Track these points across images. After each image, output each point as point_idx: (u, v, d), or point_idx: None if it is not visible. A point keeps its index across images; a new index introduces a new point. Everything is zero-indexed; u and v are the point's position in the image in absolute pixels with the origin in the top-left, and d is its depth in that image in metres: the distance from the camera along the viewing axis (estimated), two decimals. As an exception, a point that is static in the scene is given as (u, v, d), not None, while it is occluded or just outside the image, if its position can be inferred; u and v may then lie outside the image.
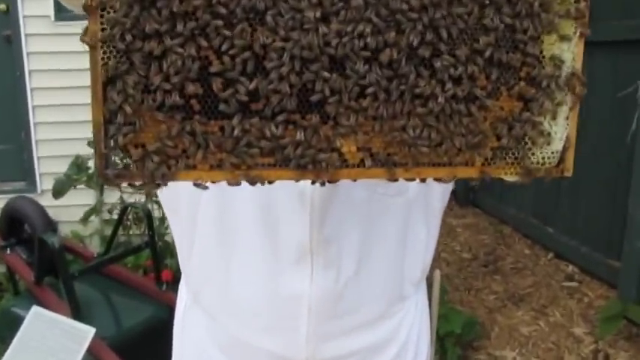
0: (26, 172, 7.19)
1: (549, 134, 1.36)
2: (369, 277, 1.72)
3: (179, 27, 1.17)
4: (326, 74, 1.21)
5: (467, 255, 6.94)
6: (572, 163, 1.41)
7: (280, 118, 1.23)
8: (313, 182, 1.30)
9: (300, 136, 1.24)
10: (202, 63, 1.20)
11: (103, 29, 1.17)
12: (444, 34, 1.25)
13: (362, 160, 1.29)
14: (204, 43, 1.19)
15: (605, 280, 5.99)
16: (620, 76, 5.53)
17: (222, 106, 1.21)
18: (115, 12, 1.16)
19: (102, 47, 1.17)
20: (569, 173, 1.41)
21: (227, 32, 1.19)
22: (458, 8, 1.25)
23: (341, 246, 1.67)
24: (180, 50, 1.18)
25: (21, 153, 7.17)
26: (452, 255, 7.03)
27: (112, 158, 1.25)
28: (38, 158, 7.08)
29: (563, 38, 1.34)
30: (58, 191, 5.96)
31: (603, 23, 5.66)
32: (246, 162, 1.25)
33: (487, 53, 1.28)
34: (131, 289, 4.97)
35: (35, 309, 3.99)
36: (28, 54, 6.91)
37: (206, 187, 1.29)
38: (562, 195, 6.66)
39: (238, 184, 1.28)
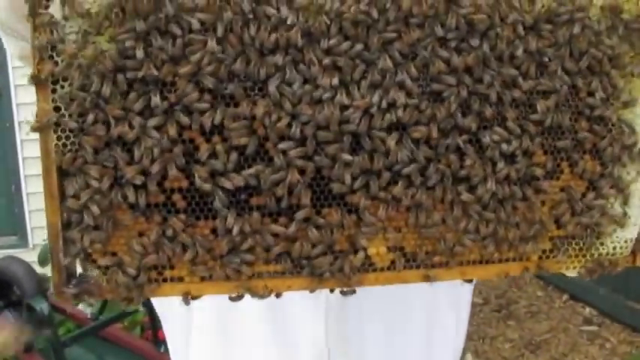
0: (17, 227, 6.96)
1: (622, 219, 1.10)
2: None
3: (154, 101, 0.91)
4: (347, 157, 0.95)
5: (477, 299, 6.63)
6: (646, 249, 1.15)
7: (289, 215, 0.96)
8: (332, 290, 1.04)
9: (314, 236, 0.97)
10: (186, 148, 0.94)
11: (56, 108, 0.91)
12: (493, 99, 0.99)
13: (392, 262, 1.02)
14: (186, 121, 0.92)
15: (627, 323, 5.71)
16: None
17: (215, 203, 0.95)
18: (70, 85, 0.90)
19: (55, 131, 0.92)
20: (641, 262, 1.14)
21: (217, 109, 0.93)
22: (509, 69, 0.99)
23: (362, 342, 1.41)
24: (155, 134, 0.91)
25: (12, 207, 6.94)
26: (462, 299, 6.74)
27: (74, 269, 0.99)
28: (29, 212, 6.84)
29: (636, 101, 1.08)
30: (44, 260, 5.68)
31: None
32: (245, 271, 0.98)
33: (547, 121, 1.02)
34: (128, 352, 4.64)
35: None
36: (17, 105, 6.69)
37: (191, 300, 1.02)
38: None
39: (240, 297, 1.01)
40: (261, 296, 0.99)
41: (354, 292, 1.05)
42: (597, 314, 6.13)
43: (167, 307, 1.46)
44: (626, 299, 5.70)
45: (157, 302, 1.50)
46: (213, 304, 1.32)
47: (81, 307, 5.24)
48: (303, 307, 1.34)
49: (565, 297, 6.58)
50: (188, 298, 1.00)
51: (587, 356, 5.45)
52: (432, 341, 1.57)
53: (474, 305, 6.97)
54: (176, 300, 1.28)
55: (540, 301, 6.60)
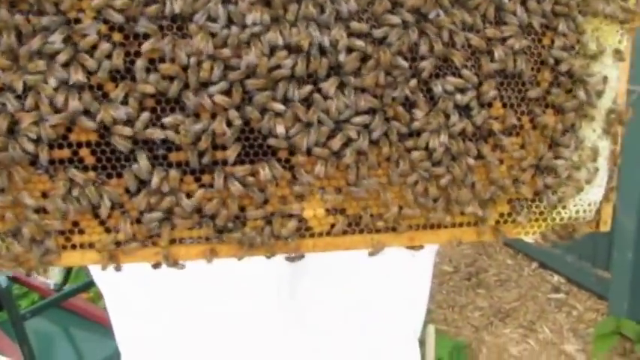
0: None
1: (587, 179, 1.00)
2: (347, 343, 1.37)
3: (52, 39, 0.78)
4: (278, 106, 0.83)
5: (448, 267, 6.59)
6: (610, 213, 1.05)
7: (213, 173, 0.85)
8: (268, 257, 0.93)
9: (233, 200, 0.86)
10: (94, 94, 0.81)
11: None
12: (446, 43, 0.88)
13: (333, 226, 0.91)
14: (92, 65, 0.80)
15: (594, 291, 5.70)
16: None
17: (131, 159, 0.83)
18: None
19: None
20: (606, 227, 1.05)
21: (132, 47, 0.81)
22: (464, 11, 0.88)
23: (317, 310, 1.33)
24: (58, 75, 0.79)
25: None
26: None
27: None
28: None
29: (605, 51, 0.97)
30: None
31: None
32: (164, 235, 0.86)
33: (506, 69, 0.91)
34: (93, 323, 4.53)
35: (-14, 354, 3.59)
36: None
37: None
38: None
39: (158, 265, 0.90)
40: (181, 265, 0.88)
41: (302, 257, 0.94)
42: (565, 282, 6.14)
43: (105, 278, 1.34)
44: (593, 267, 5.71)
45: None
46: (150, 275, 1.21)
47: (43, 278, 5.11)
48: (253, 275, 1.23)
49: (534, 265, 6.58)
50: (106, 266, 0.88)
51: (555, 324, 5.46)
52: (389, 312, 1.48)
53: (443, 273, 6.96)
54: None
55: (510, 269, 6.59)
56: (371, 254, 0.94)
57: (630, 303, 5.00)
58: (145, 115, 0.80)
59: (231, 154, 0.84)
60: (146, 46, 0.79)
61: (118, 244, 0.87)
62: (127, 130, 0.80)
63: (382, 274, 1.38)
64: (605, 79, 0.98)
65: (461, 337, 5.26)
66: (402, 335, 1.57)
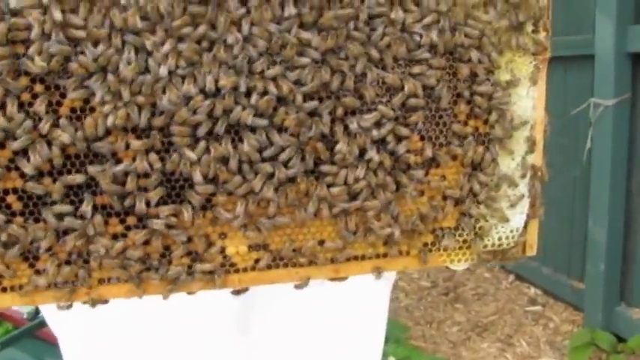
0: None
1: (507, 209, 1.04)
2: None
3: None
4: (191, 155, 0.86)
5: (426, 283, 6.62)
6: (536, 238, 1.09)
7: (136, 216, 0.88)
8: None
9: (169, 238, 0.89)
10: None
11: None
12: (359, 80, 0.92)
13: (257, 261, 0.95)
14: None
15: (569, 302, 5.75)
16: (571, 93, 5.33)
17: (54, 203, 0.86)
18: None
19: None
20: (532, 251, 1.09)
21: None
22: (374, 49, 0.92)
23: (268, 348, 1.34)
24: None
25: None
26: (410, 283, 6.70)
27: None
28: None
29: (519, 82, 1.02)
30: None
31: (551, 39, 5.46)
32: (87, 279, 0.89)
33: (421, 104, 0.95)
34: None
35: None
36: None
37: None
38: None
39: (70, 306, 0.92)
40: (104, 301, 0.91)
41: (246, 290, 0.97)
42: (542, 294, 6.18)
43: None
44: (569, 278, 5.75)
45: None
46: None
47: (17, 307, 5.06)
48: (203, 312, 1.25)
49: (511, 277, 6.62)
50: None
51: (532, 337, 5.49)
52: (345, 343, 1.49)
53: (422, 289, 6.95)
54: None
55: (487, 283, 6.63)
56: (297, 287, 0.97)
57: (604, 314, 5.04)
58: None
59: (154, 196, 0.86)
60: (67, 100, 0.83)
61: (48, 285, 0.89)
62: (47, 180, 0.83)
63: (335, 305, 1.40)
64: (520, 108, 1.02)
65: (439, 353, 5.28)
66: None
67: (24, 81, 0.82)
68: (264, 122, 0.86)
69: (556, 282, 5.94)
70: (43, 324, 4.28)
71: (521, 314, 5.91)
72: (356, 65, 0.90)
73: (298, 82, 0.88)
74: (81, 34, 0.80)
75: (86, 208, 0.85)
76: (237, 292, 0.97)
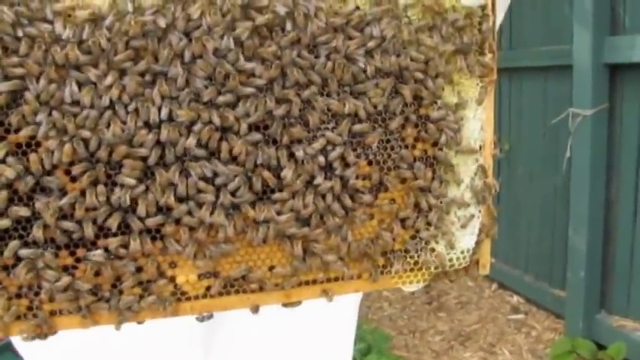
0: None
1: (455, 231, 1.05)
2: None
3: None
4: (129, 181, 0.87)
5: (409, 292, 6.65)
6: (489, 258, 1.10)
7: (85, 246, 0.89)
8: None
9: (115, 268, 0.89)
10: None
11: None
12: (301, 109, 0.93)
13: (208, 289, 0.95)
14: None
15: (551, 310, 5.77)
16: (551, 102, 5.37)
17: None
18: None
19: None
20: (485, 271, 1.10)
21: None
22: (317, 76, 0.93)
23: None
24: None
25: None
26: (394, 292, 6.70)
27: None
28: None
29: (466, 104, 1.03)
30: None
31: (530, 49, 5.50)
32: (42, 310, 0.90)
33: (365, 128, 0.96)
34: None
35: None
36: None
37: None
38: (500, 223, 6.28)
39: (42, 338, 0.93)
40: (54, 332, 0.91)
41: (211, 316, 0.98)
42: (524, 302, 6.20)
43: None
44: (550, 286, 5.78)
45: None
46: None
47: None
48: (166, 336, 1.25)
49: (494, 286, 6.64)
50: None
51: (514, 345, 5.51)
52: (310, 355, 1.50)
53: (405, 298, 6.95)
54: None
55: (471, 291, 6.65)
56: (253, 312, 0.98)
57: (585, 322, 5.07)
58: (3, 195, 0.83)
59: (112, 223, 0.87)
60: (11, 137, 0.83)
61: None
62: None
63: (300, 325, 1.41)
64: (467, 130, 1.04)
65: (421, 364, 5.29)
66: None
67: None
68: (202, 153, 0.87)
69: (538, 290, 5.97)
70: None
71: (503, 323, 5.93)
72: (301, 93, 0.92)
73: (244, 113, 0.89)
74: (20, 71, 0.81)
75: (36, 238, 0.86)
76: (201, 319, 0.98)
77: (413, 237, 1.04)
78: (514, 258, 6.31)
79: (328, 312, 1.44)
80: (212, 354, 1.33)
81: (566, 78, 4.97)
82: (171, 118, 0.86)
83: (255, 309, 0.97)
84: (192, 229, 0.90)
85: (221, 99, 0.88)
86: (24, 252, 0.86)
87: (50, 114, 0.84)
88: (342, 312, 1.50)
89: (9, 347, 4.24)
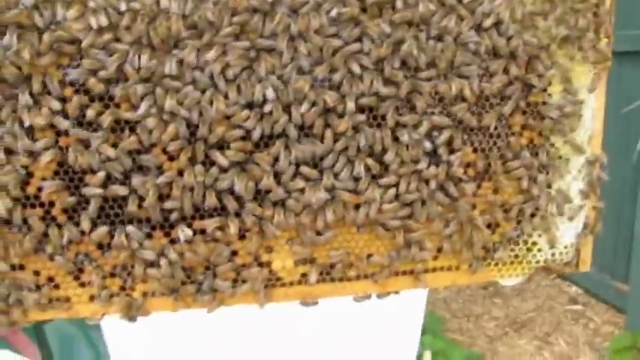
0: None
1: (559, 224, 1.00)
2: None
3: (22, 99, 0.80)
4: (223, 160, 0.84)
5: (464, 278, 6.58)
6: (590, 254, 1.05)
7: (180, 227, 0.86)
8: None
9: (204, 251, 0.87)
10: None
11: None
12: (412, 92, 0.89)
13: (303, 276, 0.92)
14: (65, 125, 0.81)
15: (611, 304, 5.63)
16: (624, 89, 5.19)
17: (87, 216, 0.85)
18: None
19: None
20: (585, 267, 1.04)
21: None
22: (426, 56, 0.88)
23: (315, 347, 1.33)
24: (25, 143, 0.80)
25: None
26: (448, 277, 6.67)
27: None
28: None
29: (577, 92, 0.97)
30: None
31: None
32: (137, 289, 0.88)
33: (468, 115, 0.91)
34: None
35: (4, 353, 3.62)
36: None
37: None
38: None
39: (132, 319, 0.91)
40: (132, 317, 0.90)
41: (316, 303, 0.95)
42: (583, 293, 6.06)
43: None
44: (612, 279, 5.63)
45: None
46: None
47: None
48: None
49: (552, 275, 6.51)
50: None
51: (571, 336, 5.40)
52: (386, 341, 1.48)
53: (460, 284, 6.91)
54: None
55: (528, 279, 6.54)
56: (356, 300, 0.95)
57: (648, 318, 4.94)
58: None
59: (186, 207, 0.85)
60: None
61: (91, 297, 0.88)
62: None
63: (378, 309, 1.38)
64: (579, 117, 0.98)
65: (475, 347, 5.23)
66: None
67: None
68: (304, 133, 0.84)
69: (599, 282, 5.82)
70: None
71: (560, 313, 5.81)
72: (408, 75, 0.87)
73: (350, 93, 0.85)
74: (122, 47, 0.79)
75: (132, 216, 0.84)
76: (306, 305, 0.95)
77: (514, 229, 0.99)
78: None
79: (399, 302, 1.42)
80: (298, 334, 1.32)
81: (642, 65, 4.80)
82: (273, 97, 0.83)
83: (366, 297, 0.94)
84: (294, 213, 0.87)
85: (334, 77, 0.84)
86: (130, 229, 0.84)
87: (152, 91, 0.81)
88: (412, 302, 1.48)
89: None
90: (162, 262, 0.85)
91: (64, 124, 0.80)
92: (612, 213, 5.58)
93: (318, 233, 0.89)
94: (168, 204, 0.83)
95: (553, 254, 1.01)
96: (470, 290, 6.38)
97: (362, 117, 0.86)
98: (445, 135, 0.90)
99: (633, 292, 5.08)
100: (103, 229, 0.84)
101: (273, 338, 1.28)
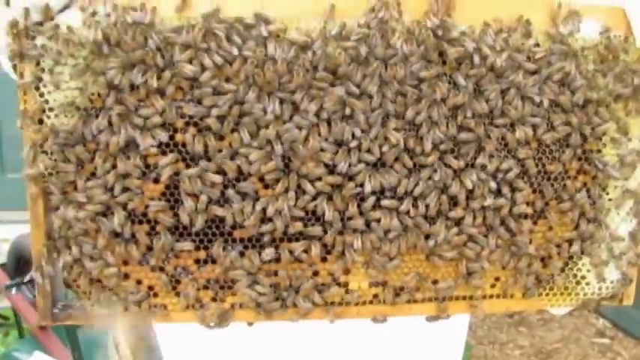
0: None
1: (606, 262, 1.09)
2: None
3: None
4: (310, 188, 0.95)
5: (491, 304, 6.61)
6: (634, 289, 1.14)
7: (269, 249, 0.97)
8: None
9: (292, 271, 0.98)
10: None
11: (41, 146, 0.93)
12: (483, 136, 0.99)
13: (375, 296, 1.03)
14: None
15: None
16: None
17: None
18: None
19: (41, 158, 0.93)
20: (629, 302, 1.13)
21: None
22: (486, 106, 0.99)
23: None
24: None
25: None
26: (475, 304, 6.70)
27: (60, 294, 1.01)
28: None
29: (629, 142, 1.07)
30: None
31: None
32: (224, 300, 0.99)
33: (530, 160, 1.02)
34: (139, 335, 4.57)
35: (37, 355, 3.74)
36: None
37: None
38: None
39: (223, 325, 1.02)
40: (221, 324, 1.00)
41: (385, 320, 1.06)
42: (611, 327, 6.05)
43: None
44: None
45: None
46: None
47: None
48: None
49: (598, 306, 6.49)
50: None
51: (598, 368, 5.40)
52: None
53: (486, 311, 6.86)
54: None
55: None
56: (430, 321, 1.05)
57: (676, 352, 4.91)
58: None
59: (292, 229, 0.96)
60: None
61: (187, 306, 0.99)
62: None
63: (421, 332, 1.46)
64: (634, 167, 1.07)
65: (500, 377, 5.25)
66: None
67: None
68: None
69: (627, 315, 5.80)
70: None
71: (587, 345, 5.80)
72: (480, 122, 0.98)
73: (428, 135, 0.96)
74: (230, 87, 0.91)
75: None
76: (375, 321, 1.05)
77: (566, 264, 1.08)
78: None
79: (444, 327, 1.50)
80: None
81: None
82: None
83: (436, 317, 1.04)
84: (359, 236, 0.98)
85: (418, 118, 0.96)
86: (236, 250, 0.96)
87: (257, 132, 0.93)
88: (454, 328, 1.55)
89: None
90: (259, 282, 0.97)
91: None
92: (643, 247, 5.56)
93: (390, 259, 0.99)
94: (264, 227, 0.94)
95: (600, 288, 1.10)
96: (495, 318, 6.39)
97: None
98: (510, 175, 1.00)
99: (661, 327, 5.07)
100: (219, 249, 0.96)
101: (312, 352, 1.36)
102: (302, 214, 0.95)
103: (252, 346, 1.33)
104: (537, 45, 1.00)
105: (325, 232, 0.97)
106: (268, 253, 0.97)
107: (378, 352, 1.41)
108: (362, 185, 0.95)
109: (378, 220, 0.97)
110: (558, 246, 1.07)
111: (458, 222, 1.00)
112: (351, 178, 0.96)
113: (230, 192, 0.94)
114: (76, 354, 4.05)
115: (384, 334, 1.38)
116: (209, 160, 0.93)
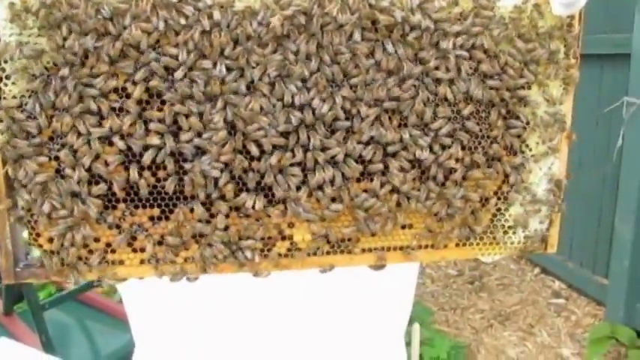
0: None
1: (529, 213, 1.19)
2: (337, 346, 1.53)
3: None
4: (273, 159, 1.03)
5: (452, 271, 6.78)
6: (557, 238, 1.24)
7: (220, 206, 1.05)
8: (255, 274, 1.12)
9: (241, 224, 1.06)
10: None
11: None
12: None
13: (318, 248, 1.11)
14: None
15: (592, 297, 5.86)
16: (606, 91, 5.39)
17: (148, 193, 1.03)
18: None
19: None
20: (553, 249, 1.24)
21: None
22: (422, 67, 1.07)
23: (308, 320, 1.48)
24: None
25: None
26: (437, 271, 6.87)
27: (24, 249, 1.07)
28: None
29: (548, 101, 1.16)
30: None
31: (589, 36, 5.52)
32: (178, 256, 1.07)
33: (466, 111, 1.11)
34: (107, 316, 4.68)
35: (3, 340, 3.76)
36: None
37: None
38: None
39: (174, 279, 1.10)
40: (193, 279, 1.08)
41: (332, 269, 1.14)
42: (566, 288, 6.27)
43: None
44: (593, 274, 5.84)
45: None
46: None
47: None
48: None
49: (536, 270, 6.72)
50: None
51: (553, 328, 5.60)
52: (378, 315, 1.63)
53: (448, 277, 7.04)
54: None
55: (513, 274, 6.75)
56: (374, 269, 1.14)
57: (626, 309, 5.13)
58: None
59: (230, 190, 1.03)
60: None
61: (142, 261, 1.07)
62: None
63: (371, 282, 1.54)
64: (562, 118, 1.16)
65: (461, 338, 5.43)
66: (391, 336, 1.69)
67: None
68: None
69: (580, 277, 6.02)
70: (85, 288, 4.50)
71: (544, 306, 6.02)
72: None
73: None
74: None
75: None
76: (323, 271, 1.14)
77: (494, 215, 1.18)
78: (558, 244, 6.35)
79: (392, 279, 1.58)
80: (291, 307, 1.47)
81: (623, 67, 4.99)
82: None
83: (379, 267, 1.13)
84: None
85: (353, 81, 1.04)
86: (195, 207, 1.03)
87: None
88: (404, 279, 1.64)
89: (73, 296, 4.49)
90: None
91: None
92: (593, 210, 5.78)
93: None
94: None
95: (526, 237, 1.20)
96: (457, 285, 6.58)
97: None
98: (442, 132, 1.09)
99: (612, 286, 5.28)
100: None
101: (269, 311, 1.43)
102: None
103: (206, 304, 1.40)
104: (462, 13, 1.09)
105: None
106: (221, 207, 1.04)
107: (326, 303, 1.48)
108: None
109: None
110: (487, 199, 1.16)
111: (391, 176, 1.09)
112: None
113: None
114: (43, 337, 4.09)
115: (333, 292, 1.45)
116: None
